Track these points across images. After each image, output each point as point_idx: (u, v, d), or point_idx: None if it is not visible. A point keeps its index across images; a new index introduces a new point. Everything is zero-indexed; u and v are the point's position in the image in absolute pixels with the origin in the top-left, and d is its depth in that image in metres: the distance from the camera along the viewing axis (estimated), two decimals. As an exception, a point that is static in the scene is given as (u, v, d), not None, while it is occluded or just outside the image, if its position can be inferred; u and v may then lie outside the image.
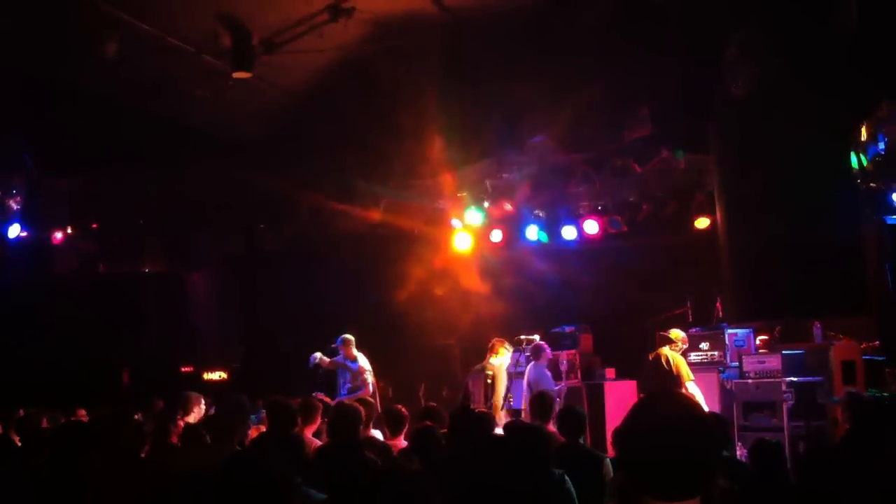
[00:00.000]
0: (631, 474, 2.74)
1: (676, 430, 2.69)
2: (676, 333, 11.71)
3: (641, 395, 11.89)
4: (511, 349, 12.86)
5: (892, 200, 11.88)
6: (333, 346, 13.43)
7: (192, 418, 9.89)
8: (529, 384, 12.25)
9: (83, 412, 13.38)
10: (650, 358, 11.79)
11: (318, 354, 13.46)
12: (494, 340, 12.86)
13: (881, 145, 11.00)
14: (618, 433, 2.88)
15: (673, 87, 8.44)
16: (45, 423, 10.70)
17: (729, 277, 8.92)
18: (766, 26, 7.64)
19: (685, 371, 11.31)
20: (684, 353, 11.80)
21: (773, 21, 7.63)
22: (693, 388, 11.21)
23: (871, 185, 11.17)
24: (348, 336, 13.28)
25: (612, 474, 6.56)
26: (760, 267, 8.20)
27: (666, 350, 11.54)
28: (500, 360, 12.53)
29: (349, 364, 13.18)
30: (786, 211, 7.77)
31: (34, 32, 10.07)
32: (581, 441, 7.33)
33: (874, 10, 6.71)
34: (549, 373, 12.63)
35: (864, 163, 10.60)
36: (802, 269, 7.97)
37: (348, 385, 13.05)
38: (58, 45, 10.32)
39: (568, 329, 14.21)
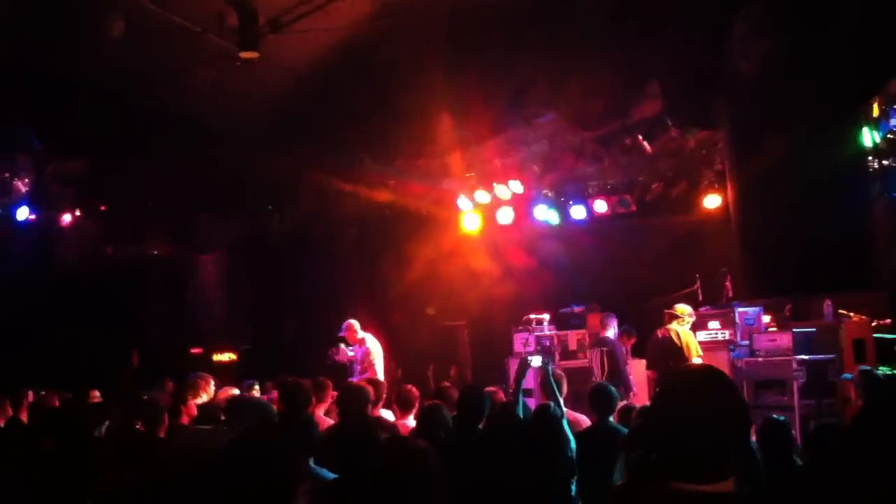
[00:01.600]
0: (663, 459, 2.65)
1: (715, 415, 2.60)
2: (682, 308, 11.63)
3: (652, 373, 11.86)
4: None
5: (903, 177, 11.83)
6: (339, 335, 13.43)
7: (203, 399, 9.93)
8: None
9: (96, 393, 13.43)
10: (658, 335, 11.74)
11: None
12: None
13: (893, 121, 10.92)
14: (647, 415, 2.81)
15: (683, 62, 8.35)
16: (57, 404, 10.75)
17: (739, 255, 8.88)
18: (776, 1, 7.56)
19: (695, 347, 11.25)
20: (694, 331, 11.78)
21: (782, 2, 7.56)
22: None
23: (884, 162, 11.10)
24: (351, 321, 13.24)
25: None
26: (771, 245, 8.15)
27: (675, 325, 11.48)
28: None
29: (355, 349, 13.19)
30: (796, 188, 7.71)
31: (39, 16, 10.02)
32: (610, 420, 7.30)
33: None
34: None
35: (877, 140, 10.52)
36: (813, 247, 7.92)
37: (357, 368, 13.05)
38: (63, 29, 10.27)
39: (577, 309, 14.18)
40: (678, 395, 2.69)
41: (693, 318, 11.60)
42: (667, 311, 11.83)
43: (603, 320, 12.61)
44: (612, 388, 7.92)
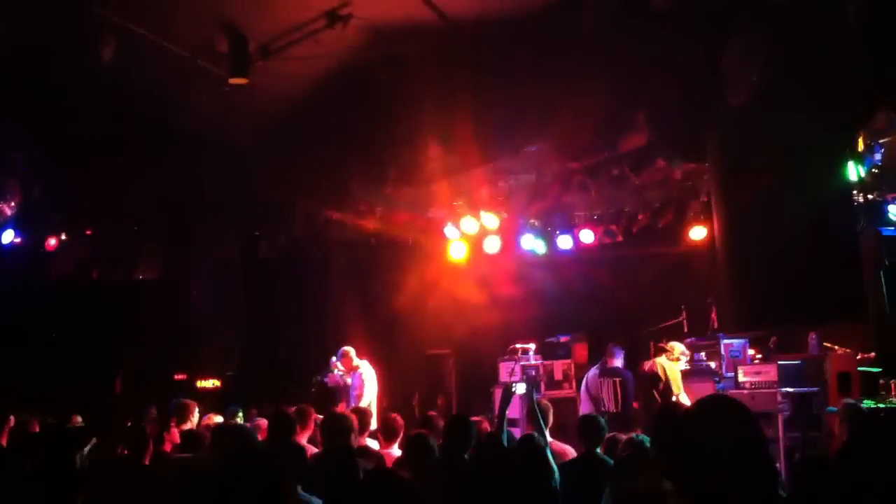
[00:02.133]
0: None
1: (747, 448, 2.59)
2: (675, 346, 11.71)
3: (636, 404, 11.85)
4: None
5: (888, 211, 11.91)
6: (334, 360, 13.43)
7: (188, 426, 9.91)
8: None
9: (78, 418, 13.33)
10: (645, 367, 11.79)
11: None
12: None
13: (878, 156, 11.02)
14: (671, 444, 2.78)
15: (670, 94, 8.41)
16: (37, 429, 10.67)
17: (724, 287, 8.90)
18: (764, 35, 7.62)
19: (676, 383, 11.33)
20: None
21: (772, 30, 7.61)
22: (684, 399, 11.23)
23: (868, 196, 11.17)
24: (346, 348, 13.28)
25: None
26: (756, 277, 8.17)
27: (662, 360, 11.54)
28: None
29: (351, 376, 13.21)
30: (782, 220, 7.75)
31: (28, 36, 10.03)
32: (598, 451, 7.31)
33: (873, 19, 6.70)
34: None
35: (861, 174, 10.61)
36: (798, 279, 7.94)
37: (354, 394, 13.04)
38: (52, 50, 10.28)
39: (563, 338, 14.20)
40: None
41: (686, 357, 11.65)
42: (659, 344, 11.87)
43: (610, 350, 12.49)
44: (602, 420, 7.94)
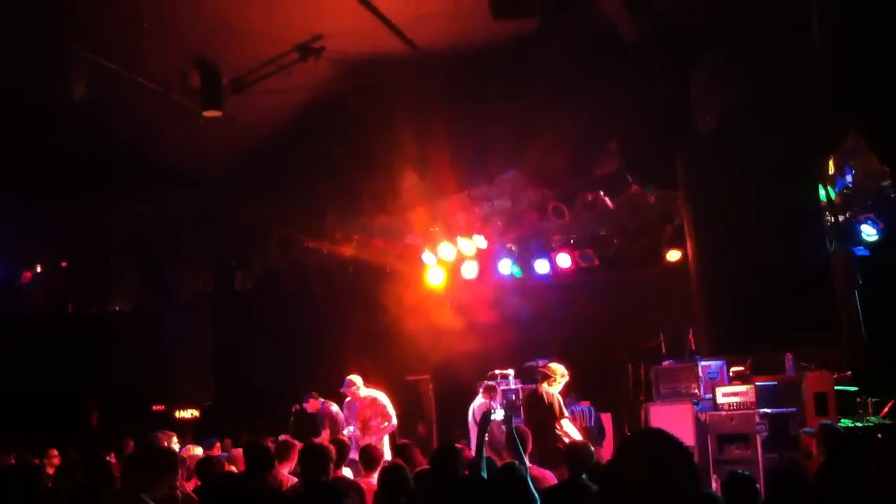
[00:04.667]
0: None
1: (661, 467, 2.67)
2: (555, 368, 11.92)
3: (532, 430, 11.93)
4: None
5: (860, 231, 12.05)
6: (341, 389, 13.46)
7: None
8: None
9: (55, 452, 13.24)
10: (533, 392, 12.01)
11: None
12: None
13: (848, 178, 11.16)
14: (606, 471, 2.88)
15: (641, 122, 8.48)
16: (13, 462, 10.61)
17: (699, 310, 8.95)
18: (732, 61, 7.71)
19: (559, 408, 11.55)
20: (654, 383, 11.90)
21: (740, 55, 7.70)
22: (567, 426, 11.47)
23: (840, 217, 11.31)
24: (352, 377, 13.35)
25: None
26: (728, 301, 8.22)
27: (544, 386, 11.78)
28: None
29: (353, 404, 13.27)
30: (754, 244, 7.81)
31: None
32: (583, 477, 7.34)
33: (841, 41, 6.78)
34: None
35: (832, 195, 10.74)
36: (772, 301, 8.00)
37: (373, 423, 13.10)
38: (23, 79, 10.26)
39: (541, 362, 14.21)
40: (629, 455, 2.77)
41: (565, 379, 11.90)
42: (539, 369, 12.05)
43: None
44: (590, 447, 7.98)
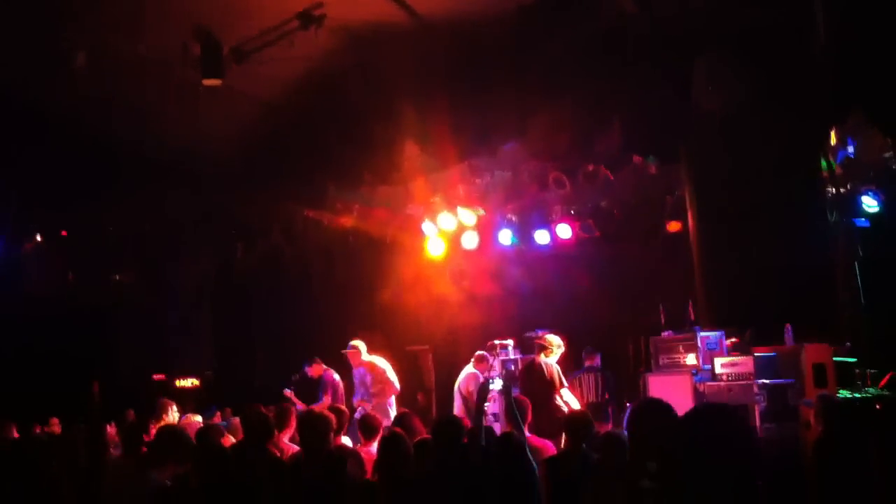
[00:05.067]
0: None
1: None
2: (551, 339, 11.94)
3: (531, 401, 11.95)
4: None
5: (861, 202, 12.02)
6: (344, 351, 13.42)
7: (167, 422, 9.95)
8: None
9: (56, 420, 13.30)
10: (531, 363, 12.02)
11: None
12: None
13: (850, 149, 11.11)
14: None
15: (645, 102, 8.47)
16: (15, 434, 10.65)
17: (700, 283, 8.99)
18: (736, 43, 7.69)
19: (558, 378, 11.57)
20: (655, 355, 11.93)
21: (744, 39, 7.68)
22: (567, 395, 11.52)
23: (841, 189, 11.28)
24: (355, 342, 13.33)
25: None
26: (730, 272, 8.25)
27: (542, 357, 11.79)
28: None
29: (357, 371, 13.29)
30: (756, 221, 7.83)
31: (2, 48, 9.97)
32: (584, 447, 7.34)
33: (844, 25, 6.77)
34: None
35: (833, 166, 10.70)
36: (773, 273, 8.04)
37: (370, 389, 13.12)
38: (26, 61, 10.21)
39: (541, 333, 14.23)
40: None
41: (561, 350, 11.94)
42: (536, 340, 12.08)
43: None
44: (589, 416, 8.01)
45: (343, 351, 13.40)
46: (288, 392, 13.89)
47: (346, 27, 9.43)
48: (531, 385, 11.79)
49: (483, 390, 7.82)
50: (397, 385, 13.16)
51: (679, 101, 7.94)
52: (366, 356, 13.30)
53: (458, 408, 13.04)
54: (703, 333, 11.72)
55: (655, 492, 4.97)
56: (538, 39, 8.91)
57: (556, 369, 11.72)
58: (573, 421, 7.65)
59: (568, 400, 11.52)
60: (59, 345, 16.94)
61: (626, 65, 8.35)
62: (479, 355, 13.39)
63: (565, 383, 11.73)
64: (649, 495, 5.16)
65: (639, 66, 8.31)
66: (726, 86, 7.49)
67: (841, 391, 9.99)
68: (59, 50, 9.09)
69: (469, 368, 13.31)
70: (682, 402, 11.05)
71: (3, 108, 10.96)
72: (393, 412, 12.35)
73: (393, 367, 13.49)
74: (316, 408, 11.91)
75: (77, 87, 9.42)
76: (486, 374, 13.00)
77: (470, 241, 15.53)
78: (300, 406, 13.20)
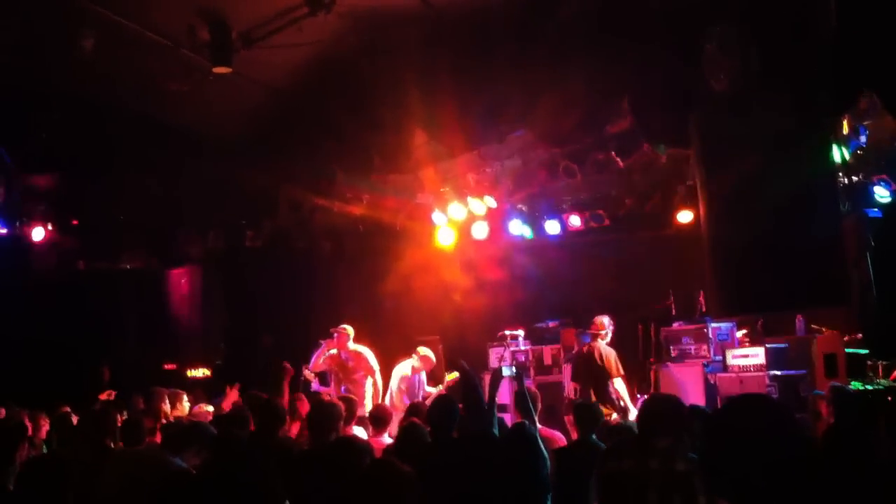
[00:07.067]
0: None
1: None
2: (600, 322, 11.77)
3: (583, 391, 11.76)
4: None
5: (873, 192, 11.94)
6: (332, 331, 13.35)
7: (176, 415, 9.94)
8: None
9: (67, 408, 13.31)
10: (583, 350, 11.84)
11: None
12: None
13: (862, 138, 11.02)
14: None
15: (653, 80, 8.39)
16: (27, 421, 10.65)
17: (711, 272, 8.91)
18: (746, 21, 7.61)
19: (614, 366, 11.37)
20: (656, 344, 11.88)
21: (754, 15, 7.60)
22: (619, 385, 11.33)
23: (853, 178, 11.19)
24: (345, 326, 13.20)
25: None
26: (742, 260, 8.17)
27: (599, 343, 11.59)
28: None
29: (343, 354, 13.15)
30: (767, 204, 7.75)
31: (8, 29, 9.94)
32: (592, 437, 7.30)
33: (854, 4, 6.70)
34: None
35: (846, 156, 10.62)
36: (784, 263, 7.96)
37: (359, 375, 13.04)
38: (32, 43, 10.18)
39: (551, 324, 14.21)
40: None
41: (612, 327, 11.72)
42: (588, 331, 11.92)
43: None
44: (598, 406, 7.97)
45: (332, 329, 13.26)
46: (307, 373, 13.76)
47: (354, 12, 9.37)
48: (588, 374, 11.59)
49: (496, 377, 7.78)
50: (378, 377, 13.02)
51: (687, 77, 7.86)
52: (352, 344, 13.15)
53: (389, 399, 12.86)
54: (714, 324, 11.69)
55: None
56: (545, 17, 8.84)
57: (614, 356, 11.51)
58: (582, 410, 7.62)
59: (619, 389, 11.31)
60: (66, 331, 16.93)
61: (634, 42, 8.26)
62: (424, 355, 13.22)
63: (622, 372, 11.53)
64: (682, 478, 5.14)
65: (646, 44, 8.22)
66: (735, 61, 7.41)
67: (853, 382, 9.93)
68: (67, 33, 9.04)
69: (405, 365, 13.22)
70: (693, 393, 11.09)
71: (8, 89, 10.93)
72: (369, 403, 12.22)
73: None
74: (325, 397, 11.87)
75: (82, 63, 9.35)
76: (419, 373, 12.96)
77: (480, 230, 15.49)
78: (318, 387, 13.17)
